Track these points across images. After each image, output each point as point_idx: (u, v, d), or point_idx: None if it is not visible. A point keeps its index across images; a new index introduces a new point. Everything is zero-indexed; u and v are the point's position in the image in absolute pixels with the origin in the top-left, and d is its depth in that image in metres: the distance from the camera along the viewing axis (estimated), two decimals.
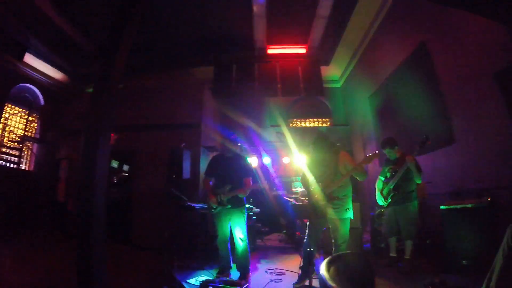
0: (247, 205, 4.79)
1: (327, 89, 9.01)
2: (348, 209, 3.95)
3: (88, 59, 7.90)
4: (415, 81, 5.23)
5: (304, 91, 8.39)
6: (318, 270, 3.97)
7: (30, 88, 8.59)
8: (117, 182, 7.37)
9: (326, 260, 2.05)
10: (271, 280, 4.35)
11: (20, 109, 8.52)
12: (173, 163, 5.93)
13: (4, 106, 7.91)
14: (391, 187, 4.41)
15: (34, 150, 8.76)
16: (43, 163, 8.63)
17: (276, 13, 6.96)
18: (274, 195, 7.89)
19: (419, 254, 4.33)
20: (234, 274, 4.52)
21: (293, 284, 4.01)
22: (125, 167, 7.68)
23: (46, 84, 8.80)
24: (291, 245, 6.71)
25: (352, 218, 4.05)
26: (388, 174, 4.56)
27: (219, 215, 4.43)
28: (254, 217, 6.40)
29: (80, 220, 2.74)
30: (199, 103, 7.54)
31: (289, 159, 8.38)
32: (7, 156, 8.14)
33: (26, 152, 8.63)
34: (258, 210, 6.65)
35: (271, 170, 8.28)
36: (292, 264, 5.16)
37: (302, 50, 8.33)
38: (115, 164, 7.43)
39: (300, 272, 4.12)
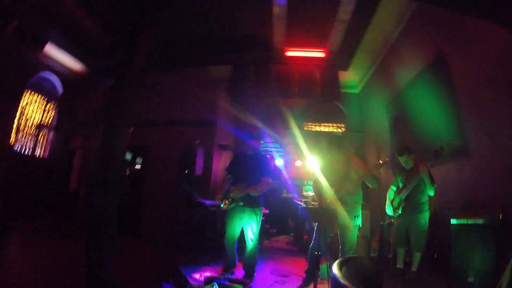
0: None
1: (344, 94, 8.95)
2: (357, 216, 3.95)
3: (106, 53, 8.06)
4: (432, 91, 5.15)
5: (320, 95, 8.37)
6: (323, 275, 3.99)
7: (49, 77, 8.80)
8: (129, 174, 7.52)
9: (338, 261, 2.07)
10: (276, 282, 4.38)
11: (38, 97, 8.71)
12: (185, 159, 6.03)
13: (24, 92, 8.12)
14: (403, 197, 4.36)
15: (50, 138, 8.97)
16: (58, 152, 8.84)
17: (296, 16, 6.95)
18: (285, 197, 7.91)
19: (426, 268, 4.27)
20: (239, 272, 4.55)
21: (298, 287, 4.03)
22: (137, 160, 7.83)
23: (65, 74, 8.99)
24: (298, 248, 6.71)
25: (361, 225, 4.04)
26: (401, 184, 4.50)
27: (232, 213, 4.41)
28: (263, 218, 6.42)
29: (92, 212, 2.83)
30: (214, 102, 7.63)
31: (302, 162, 8.37)
32: (23, 142, 8.36)
33: (41, 140, 8.84)
34: (267, 211, 6.68)
35: (284, 172, 8.29)
36: (298, 267, 5.17)
37: (321, 54, 8.27)
38: (128, 156, 7.57)
39: (305, 275, 4.14)
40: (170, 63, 8.09)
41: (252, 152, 4.62)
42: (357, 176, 3.91)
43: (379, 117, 7.64)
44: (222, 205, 4.34)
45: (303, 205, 6.91)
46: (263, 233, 6.54)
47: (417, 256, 4.16)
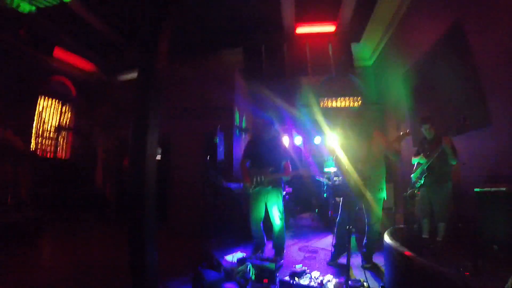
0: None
1: (358, 67, 8.85)
2: (381, 189, 4.04)
3: (116, 50, 8.17)
4: (450, 60, 5.05)
5: (334, 69, 8.31)
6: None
7: (62, 80, 9.06)
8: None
9: (389, 231, 2.21)
10: (305, 257, 4.56)
11: (54, 101, 9.00)
12: (208, 145, 6.18)
13: (38, 99, 8.43)
14: (425, 167, 4.40)
15: (70, 139, 9.30)
16: (79, 152, 9.18)
17: None
18: (306, 175, 8.00)
19: (451, 237, 4.36)
20: (269, 252, 4.76)
21: (327, 262, 4.18)
22: (159, 151, 8.04)
23: (77, 76, 9.23)
24: (323, 225, 6.87)
25: (386, 198, 4.14)
26: (422, 154, 4.53)
27: (257, 195, 4.56)
28: (287, 197, 6.59)
29: (133, 201, 2.98)
30: (231, 86, 7.69)
31: (321, 139, 8.41)
32: (44, 147, 8.70)
33: (61, 142, 9.18)
34: (290, 189, 6.84)
35: (303, 150, 8.38)
36: (325, 243, 5.35)
37: (332, 28, 8.16)
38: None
39: (332, 250, 4.29)
40: (184, 51, 8.14)
41: (267, 135, 4.71)
42: (380, 150, 3.98)
43: (396, 88, 7.55)
44: (256, 188, 4.50)
45: (326, 181, 7.02)
46: (288, 211, 6.71)
47: (441, 226, 4.24)
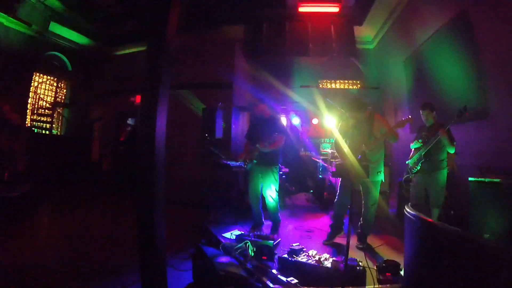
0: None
1: (359, 50, 8.77)
2: (380, 171, 4.16)
3: (115, 22, 7.95)
4: (453, 49, 5.07)
5: (336, 51, 8.23)
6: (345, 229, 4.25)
7: (57, 55, 8.87)
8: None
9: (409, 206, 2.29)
10: (301, 236, 4.69)
11: (48, 77, 8.85)
12: (206, 121, 6.16)
13: (33, 75, 8.29)
14: (422, 153, 4.47)
15: (65, 115, 9.19)
16: (76, 126, 9.11)
17: None
18: (303, 155, 8.11)
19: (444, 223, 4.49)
20: (266, 228, 4.91)
21: (323, 241, 4.29)
22: (131, 122, 7.99)
23: (72, 50, 9.03)
24: (319, 205, 7.01)
25: (384, 180, 4.24)
26: (420, 140, 4.60)
27: (251, 172, 4.77)
28: (284, 176, 6.68)
29: (142, 176, 2.98)
30: (231, 63, 7.61)
31: (319, 120, 8.45)
32: (39, 123, 8.62)
33: (57, 118, 9.10)
34: (287, 169, 6.91)
35: (300, 130, 8.42)
36: (320, 223, 5.49)
37: (335, 9, 8.04)
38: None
39: (329, 229, 4.40)
40: (186, 24, 7.98)
41: (266, 116, 4.87)
42: (380, 133, 4.03)
43: (397, 73, 7.57)
44: (248, 165, 4.72)
45: (322, 162, 7.11)
46: (283, 191, 6.82)
47: (435, 212, 4.38)
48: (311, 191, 7.85)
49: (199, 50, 7.72)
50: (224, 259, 3.41)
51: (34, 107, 8.49)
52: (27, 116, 8.15)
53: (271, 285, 2.98)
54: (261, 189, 4.79)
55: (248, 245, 3.82)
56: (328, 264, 3.28)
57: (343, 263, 2.96)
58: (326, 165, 6.97)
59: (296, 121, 8.30)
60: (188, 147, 7.11)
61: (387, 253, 3.92)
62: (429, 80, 5.99)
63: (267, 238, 4.02)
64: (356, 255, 3.64)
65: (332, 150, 6.97)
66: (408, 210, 2.14)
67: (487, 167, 4.20)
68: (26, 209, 5.51)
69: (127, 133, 8.00)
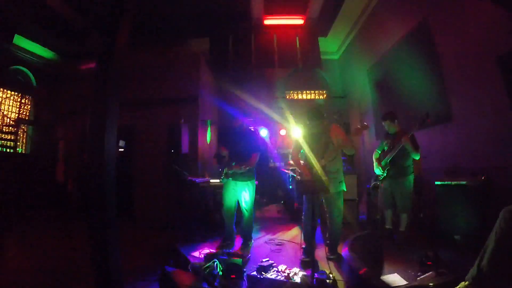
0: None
1: (325, 61, 8.91)
2: (341, 182, 4.08)
3: (80, 36, 7.67)
4: (415, 57, 5.21)
5: (301, 62, 8.31)
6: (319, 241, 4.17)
7: (21, 70, 8.41)
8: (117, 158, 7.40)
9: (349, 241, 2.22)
10: (271, 251, 4.55)
11: (12, 92, 8.37)
12: (172, 137, 6.00)
13: None
14: (388, 161, 4.50)
15: (29, 133, 8.69)
16: (40, 145, 8.60)
17: None
18: (272, 167, 8.03)
19: (413, 227, 4.52)
20: (237, 243, 4.78)
21: (301, 259, 4.06)
22: (120, 143, 7.70)
23: (37, 65, 8.60)
24: (289, 216, 6.92)
25: (345, 190, 4.17)
26: (386, 148, 4.64)
27: (226, 186, 4.64)
28: None
29: (91, 200, 2.80)
30: (196, 76, 7.44)
31: (286, 131, 8.44)
32: (3, 141, 8.08)
33: (21, 135, 8.56)
34: (257, 182, 6.79)
35: (269, 142, 8.37)
36: (291, 235, 5.38)
37: (300, 21, 8.16)
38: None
39: (304, 245, 4.23)
40: (149, 38, 7.81)
41: (238, 127, 4.76)
42: (338, 144, 4.00)
43: (361, 82, 7.72)
44: (223, 180, 4.62)
45: (291, 173, 7.05)
46: (254, 204, 6.67)
47: (404, 217, 4.39)
48: (282, 202, 7.75)
49: (162, 65, 7.51)
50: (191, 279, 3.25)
51: None
52: None
53: None
54: (236, 203, 4.69)
55: (217, 264, 3.64)
56: (297, 279, 3.17)
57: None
58: (295, 175, 6.91)
59: (264, 133, 8.24)
60: (156, 163, 6.84)
61: None
62: (393, 87, 6.12)
63: (236, 255, 3.87)
64: (326, 266, 3.55)
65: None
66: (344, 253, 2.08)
67: (453, 169, 4.28)
68: None
69: (117, 154, 7.67)
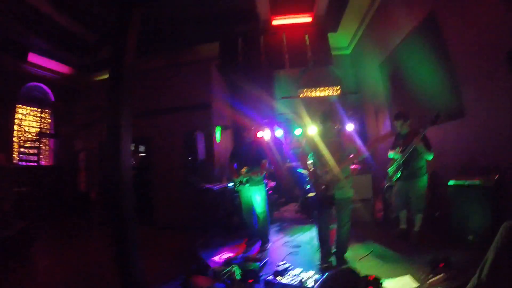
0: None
1: (336, 57, 8.81)
2: (351, 188, 4.00)
3: (92, 49, 7.95)
4: (425, 51, 5.13)
5: (312, 60, 8.30)
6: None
7: (38, 86, 8.80)
8: (136, 165, 7.68)
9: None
10: (289, 253, 4.66)
11: (32, 108, 8.77)
12: (188, 145, 6.18)
13: (15, 107, 8.21)
14: (401, 162, 4.50)
15: (51, 145, 9.11)
16: (62, 157, 9.01)
17: None
18: (287, 167, 8.12)
19: (427, 226, 4.52)
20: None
21: (320, 265, 3.99)
22: (140, 149, 7.97)
23: (54, 80, 8.96)
24: (306, 216, 6.98)
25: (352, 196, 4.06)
26: (398, 149, 4.61)
27: (242, 192, 5.07)
28: (271, 191, 6.67)
29: (111, 211, 2.99)
30: (208, 83, 7.59)
31: (301, 130, 8.47)
32: (26, 156, 8.51)
33: (43, 148, 8.98)
34: (273, 183, 6.92)
35: (284, 142, 8.44)
36: (308, 236, 5.47)
37: (308, 19, 8.11)
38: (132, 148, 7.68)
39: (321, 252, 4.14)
40: (158, 46, 7.99)
41: (249, 140, 5.20)
42: (349, 151, 3.90)
43: (374, 77, 7.65)
44: (239, 186, 5.03)
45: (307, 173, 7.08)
46: (273, 204, 6.80)
47: (418, 217, 4.40)
48: (300, 201, 7.83)
49: (174, 73, 7.70)
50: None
51: (20, 140, 8.40)
52: (14, 150, 8.05)
53: None
54: (252, 205, 5.05)
55: (235, 269, 3.80)
56: (311, 282, 3.28)
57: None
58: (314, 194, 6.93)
59: (279, 133, 8.31)
60: (174, 170, 7.05)
61: (367, 266, 3.81)
62: (404, 82, 6.06)
63: (254, 259, 4.02)
64: None
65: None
66: None
67: (466, 166, 4.24)
68: (19, 248, 5.37)
69: (139, 160, 7.99)
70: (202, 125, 6.88)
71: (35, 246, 5.74)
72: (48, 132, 9.08)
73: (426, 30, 5.03)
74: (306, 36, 8.29)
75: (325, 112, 4.09)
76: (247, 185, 4.95)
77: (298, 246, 4.99)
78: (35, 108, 8.87)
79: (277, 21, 8.23)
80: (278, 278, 3.49)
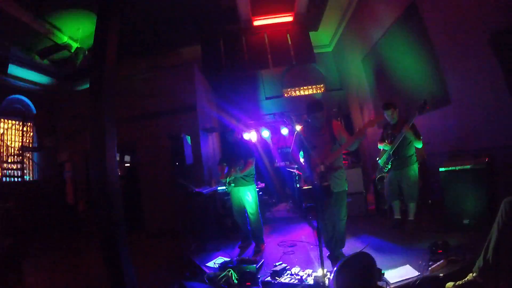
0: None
1: (318, 55, 8.87)
2: (346, 179, 3.85)
3: (72, 58, 7.74)
4: (408, 42, 5.18)
5: (294, 59, 8.29)
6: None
7: (19, 98, 8.50)
8: (123, 174, 7.49)
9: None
10: (284, 253, 4.56)
11: (14, 122, 8.47)
12: (175, 149, 6.03)
13: None
14: (390, 152, 4.50)
15: (35, 159, 8.80)
16: (46, 170, 8.71)
17: None
18: (276, 167, 8.06)
19: (422, 214, 4.52)
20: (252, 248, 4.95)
21: (327, 255, 3.82)
22: (128, 158, 7.79)
23: (35, 91, 8.68)
24: (299, 214, 6.92)
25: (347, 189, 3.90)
26: (387, 141, 4.62)
27: (232, 193, 4.97)
28: (261, 192, 6.58)
29: (100, 220, 2.89)
30: (192, 85, 7.43)
31: (288, 130, 8.42)
32: (9, 171, 8.19)
33: (27, 163, 8.66)
34: (263, 184, 6.83)
35: (270, 143, 8.39)
36: (302, 234, 5.40)
37: (289, 18, 8.13)
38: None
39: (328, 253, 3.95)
40: (140, 50, 7.86)
41: (233, 139, 5.10)
42: (341, 142, 3.72)
43: (357, 72, 7.70)
44: (228, 188, 4.93)
45: (296, 172, 7.02)
46: (263, 205, 6.70)
47: (411, 206, 4.39)
48: (290, 201, 7.78)
49: (156, 77, 7.55)
50: None
51: (3, 155, 8.08)
52: None
53: None
54: (243, 206, 4.93)
55: (231, 273, 3.69)
56: (311, 280, 3.19)
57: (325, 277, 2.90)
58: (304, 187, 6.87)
59: (265, 134, 8.25)
60: (162, 175, 6.88)
61: None
62: (389, 75, 6.09)
63: (249, 262, 3.90)
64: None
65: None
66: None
67: (456, 152, 4.27)
68: (11, 267, 5.17)
69: (124, 169, 7.78)
70: (188, 128, 6.74)
71: (24, 263, 5.51)
72: (31, 146, 8.77)
73: (408, 20, 5.08)
74: (288, 35, 8.31)
75: (311, 103, 3.91)
76: (233, 186, 4.86)
77: (293, 245, 4.90)
78: (17, 122, 8.55)
79: (258, 22, 8.21)
80: (276, 278, 3.40)
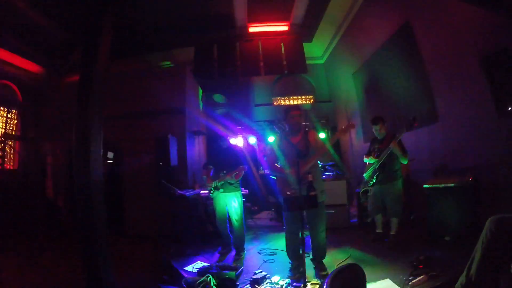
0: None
1: (310, 66, 8.93)
2: (324, 191, 3.78)
3: (64, 49, 7.56)
4: (399, 60, 5.28)
5: (286, 68, 8.33)
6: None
7: (5, 84, 8.21)
8: (104, 172, 7.28)
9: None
10: (264, 261, 4.51)
11: None
12: (160, 151, 5.95)
13: None
14: (376, 166, 4.53)
15: (17, 148, 8.50)
16: (28, 161, 8.40)
17: None
18: (261, 174, 8.03)
19: (404, 229, 4.55)
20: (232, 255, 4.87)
21: (288, 276, 3.75)
22: (109, 155, 7.58)
23: (23, 79, 8.37)
24: (281, 223, 6.86)
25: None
26: (372, 156, 4.65)
27: (216, 199, 4.89)
28: (244, 199, 6.51)
29: (81, 218, 2.83)
30: (182, 87, 7.39)
31: (274, 138, 8.41)
32: None
33: (8, 151, 8.37)
34: (246, 191, 6.77)
35: (257, 149, 8.37)
36: (283, 244, 5.34)
37: (284, 28, 8.18)
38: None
39: (290, 262, 3.96)
40: (132, 49, 7.74)
41: (225, 145, 5.11)
42: (317, 151, 3.64)
43: (347, 86, 7.80)
44: (214, 193, 4.86)
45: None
46: (246, 212, 6.63)
47: (394, 220, 4.41)
48: (272, 209, 7.73)
49: (147, 76, 7.44)
50: None
51: None
52: None
53: None
54: (227, 212, 4.89)
55: (210, 279, 3.62)
56: None
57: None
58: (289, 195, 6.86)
59: (252, 140, 8.23)
60: (145, 176, 6.72)
61: None
62: (379, 90, 6.18)
63: (229, 268, 3.85)
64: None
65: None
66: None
67: (441, 169, 4.33)
68: None
69: (108, 167, 7.55)
70: (175, 130, 6.65)
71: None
72: (13, 134, 8.47)
73: (401, 39, 5.19)
74: (282, 44, 8.34)
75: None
76: (222, 191, 4.78)
77: (273, 254, 4.86)
78: (1, 108, 8.26)
79: (253, 28, 8.23)
80: (256, 286, 3.35)
